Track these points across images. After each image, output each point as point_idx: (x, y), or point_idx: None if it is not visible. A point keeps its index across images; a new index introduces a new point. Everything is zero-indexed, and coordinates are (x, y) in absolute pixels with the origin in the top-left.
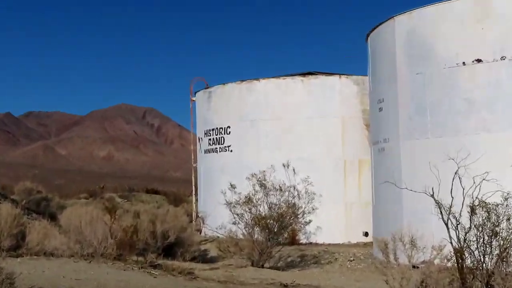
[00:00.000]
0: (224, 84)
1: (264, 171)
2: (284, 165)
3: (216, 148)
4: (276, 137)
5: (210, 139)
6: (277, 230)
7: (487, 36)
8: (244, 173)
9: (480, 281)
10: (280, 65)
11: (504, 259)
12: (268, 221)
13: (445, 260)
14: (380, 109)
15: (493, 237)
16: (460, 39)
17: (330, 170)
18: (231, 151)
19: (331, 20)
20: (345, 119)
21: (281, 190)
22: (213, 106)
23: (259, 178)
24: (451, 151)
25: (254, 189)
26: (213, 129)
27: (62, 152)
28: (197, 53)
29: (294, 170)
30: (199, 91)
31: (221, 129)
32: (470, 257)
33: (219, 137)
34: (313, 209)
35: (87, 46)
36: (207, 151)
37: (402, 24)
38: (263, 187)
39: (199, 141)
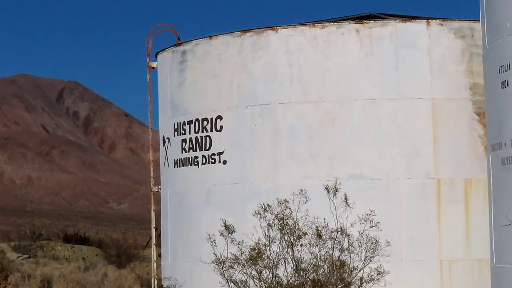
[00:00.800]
0: (211, 37)
1: (287, 200)
2: (328, 190)
3: (197, 157)
4: (308, 137)
5: (184, 141)
6: None
7: None
8: (248, 203)
9: None
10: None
11: None
12: None
13: None
14: (505, 84)
15: None
16: None
17: (410, 199)
18: (224, 162)
19: None
20: (438, 103)
21: (319, 236)
22: (191, 79)
23: (278, 213)
24: None
25: (268, 235)
26: (190, 122)
27: None
28: None
29: (346, 199)
30: (164, 50)
31: (205, 122)
32: None
33: (201, 137)
34: (379, 273)
35: None
36: (179, 163)
37: None
38: (284, 231)
39: (164, 144)
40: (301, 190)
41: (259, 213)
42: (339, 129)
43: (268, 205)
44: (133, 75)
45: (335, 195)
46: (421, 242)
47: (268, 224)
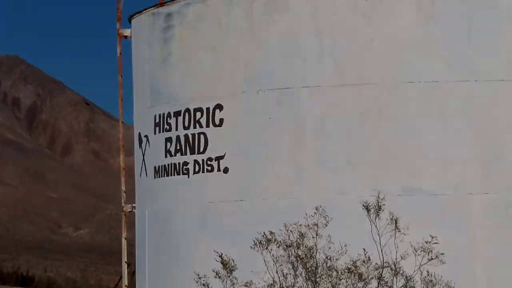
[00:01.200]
0: None
1: (316, 225)
2: (368, 208)
3: (187, 163)
4: (345, 134)
5: (169, 140)
6: None
7: None
8: (260, 228)
9: None
10: None
11: None
12: None
13: None
14: None
15: None
16: None
17: (488, 222)
18: (226, 170)
19: None
20: None
21: (358, 277)
22: (179, 53)
23: (295, 241)
24: None
25: (281, 273)
26: (177, 114)
27: None
28: None
29: (395, 220)
30: (141, 12)
31: (198, 114)
32: None
33: (193, 135)
34: None
35: None
36: (161, 172)
37: None
38: (306, 266)
39: (140, 145)
40: (317, 208)
41: (260, 244)
42: (388, 123)
43: (271, 232)
44: (98, 47)
45: (378, 215)
46: (505, 282)
47: (276, 257)
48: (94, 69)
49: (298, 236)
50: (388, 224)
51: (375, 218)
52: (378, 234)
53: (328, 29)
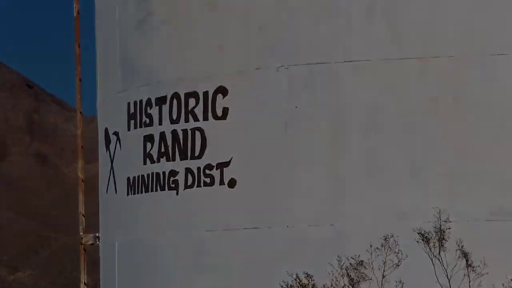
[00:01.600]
0: None
1: (360, 261)
2: (426, 238)
3: (175, 172)
4: (406, 131)
5: (150, 139)
6: None
7: None
8: (284, 268)
9: None
10: None
11: None
12: None
13: None
14: None
15: None
16: None
17: None
18: (232, 183)
19: None
20: None
21: None
22: (162, 14)
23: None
24: None
25: None
26: (161, 100)
27: None
28: None
29: (465, 255)
30: None
31: (191, 101)
32: None
33: (185, 131)
34: None
35: None
36: (138, 185)
37: None
38: None
39: (107, 147)
40: (387, 238)
41: None
42: (470, 115)
43: (307, 274)
44: (46, 4)
45: (442, 246)
46: None
47: None
48: (41, 37)
49: (346, 282)
50: (458, 258)
51: (439, 251)
52: (446, 274)
53: None
